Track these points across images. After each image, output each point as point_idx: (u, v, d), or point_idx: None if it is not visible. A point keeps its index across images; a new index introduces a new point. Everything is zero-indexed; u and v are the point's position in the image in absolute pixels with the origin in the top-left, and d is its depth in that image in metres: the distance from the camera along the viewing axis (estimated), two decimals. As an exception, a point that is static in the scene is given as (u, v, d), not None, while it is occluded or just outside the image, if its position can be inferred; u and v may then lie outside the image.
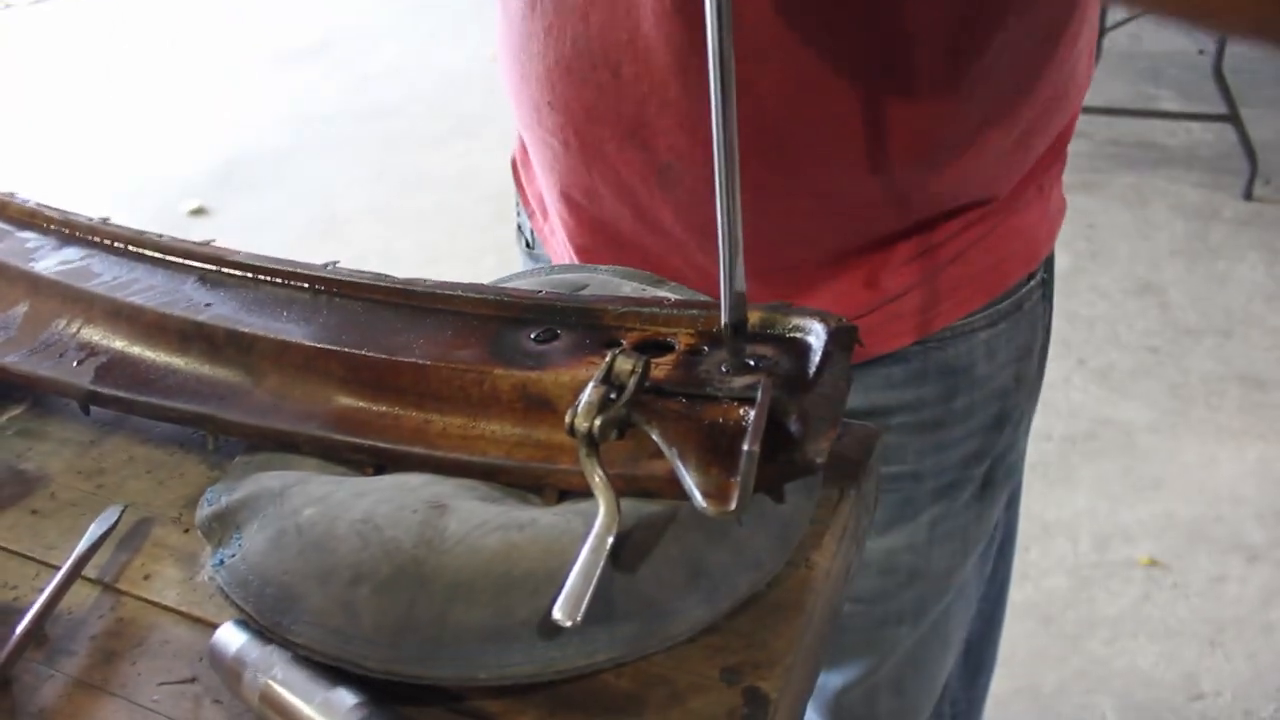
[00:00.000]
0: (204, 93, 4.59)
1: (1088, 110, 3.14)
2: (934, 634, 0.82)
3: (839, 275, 0.68)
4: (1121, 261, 2.73)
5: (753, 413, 0.42)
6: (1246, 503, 1.93)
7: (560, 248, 0.77)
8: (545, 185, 0.73)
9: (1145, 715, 1.57)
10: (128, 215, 0.72)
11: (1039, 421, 0.89)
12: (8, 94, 4.71)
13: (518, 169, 0.85)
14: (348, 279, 0.59)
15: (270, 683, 0.40)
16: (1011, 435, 0.77)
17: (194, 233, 0.72)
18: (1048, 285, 0.76)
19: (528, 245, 0.87)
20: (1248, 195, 2.96)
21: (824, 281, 0.68)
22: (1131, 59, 3.74)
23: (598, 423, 0.42)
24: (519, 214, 0.87)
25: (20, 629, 0.45)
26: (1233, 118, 2.95)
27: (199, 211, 3.35)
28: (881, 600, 0.77)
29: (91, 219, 0.70)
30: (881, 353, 0.69)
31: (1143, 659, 1.65)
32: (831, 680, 0.83)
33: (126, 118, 4.42)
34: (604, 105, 0.63)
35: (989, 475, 0.77)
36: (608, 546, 0.40)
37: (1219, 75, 2.92)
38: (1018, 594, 1.72)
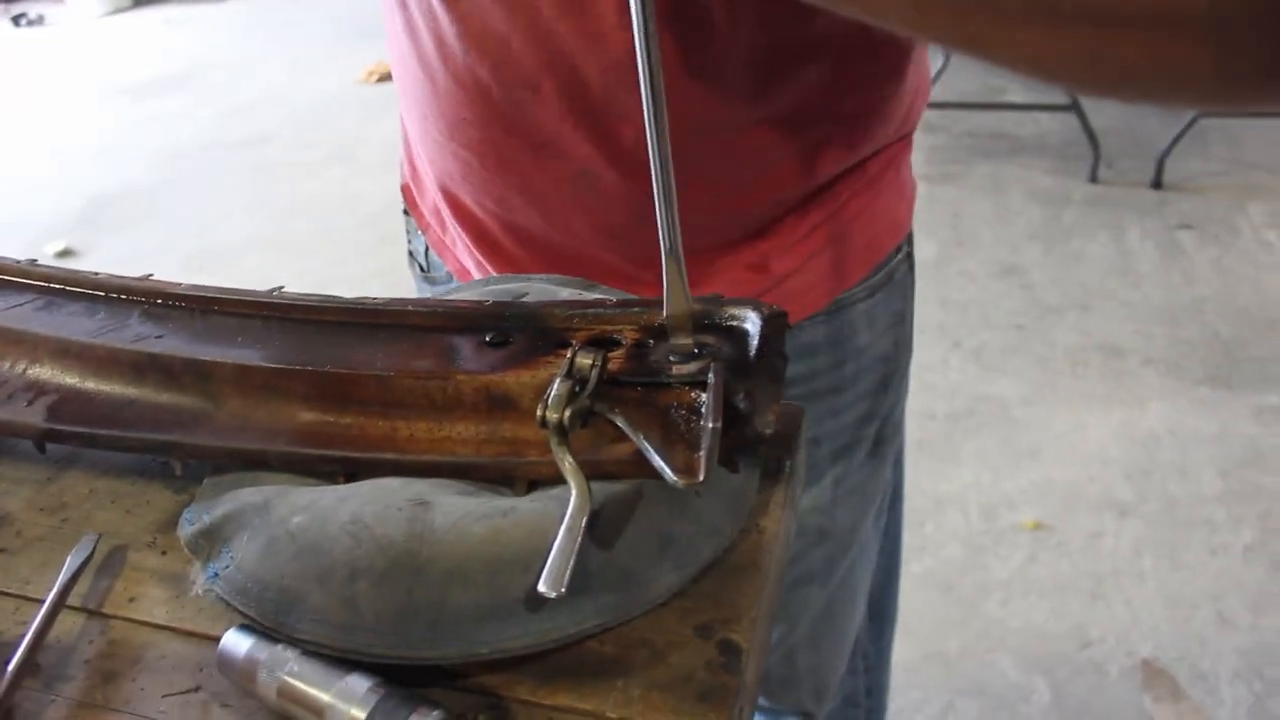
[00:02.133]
0: (60, 131, 4.43)
1: (944, 106, 3.33)
2: (842, 590, 0.88)
3: (731, 262, 0.73)
4: (985, 247, 2.89)
5: (705, 394, 0.47)
6: (1115, 463, 2.08)
7: (464, 256, 0.81)
8: (453, 195, 0.77)
9: (1041, 666, 1.68)
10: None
11: (922, 401, 0.96)
12: None
13: (410, 191, 0.88)
14: (296, 302, 0.61)
15: (286, 677, 0.42)
16: (895, 396, 0.85)
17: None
18: (910, 256, 0.84)
19: (421, 269, 0.90)
20: (1093, 178, 3.17)
21: (717, 269, 0.74)
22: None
23: (567, 414, 0.46)
24: (410, 239, 0.90)
25: (15, 660, 0.47)
26: (1075, 107, 3.16)
27: (66, 253, 3.24)
28: (795, 561, 0.83)
29: (19, 261, 0.71)
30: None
31: (1035, 615, 1.77)
32: (752, 646, 0.89)
33: (-23, 159, 4.23)
34: (521, 119, 0.67)
35: (879, 434, 0.84)
36: (583, 525, 0.44)
37: (1060, 68, 3.11)
38: (917, 566, 1.83)
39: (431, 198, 0.83)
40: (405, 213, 0.89)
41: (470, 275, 0.81)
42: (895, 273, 0.81)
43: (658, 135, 0.46)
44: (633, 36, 0.43)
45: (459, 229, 0.80)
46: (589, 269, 0.71)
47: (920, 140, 0.80)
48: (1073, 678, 1.66)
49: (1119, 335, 2.47)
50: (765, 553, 0.50)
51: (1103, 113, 3.26)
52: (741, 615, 0.47)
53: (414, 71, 0.71)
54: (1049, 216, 3.01)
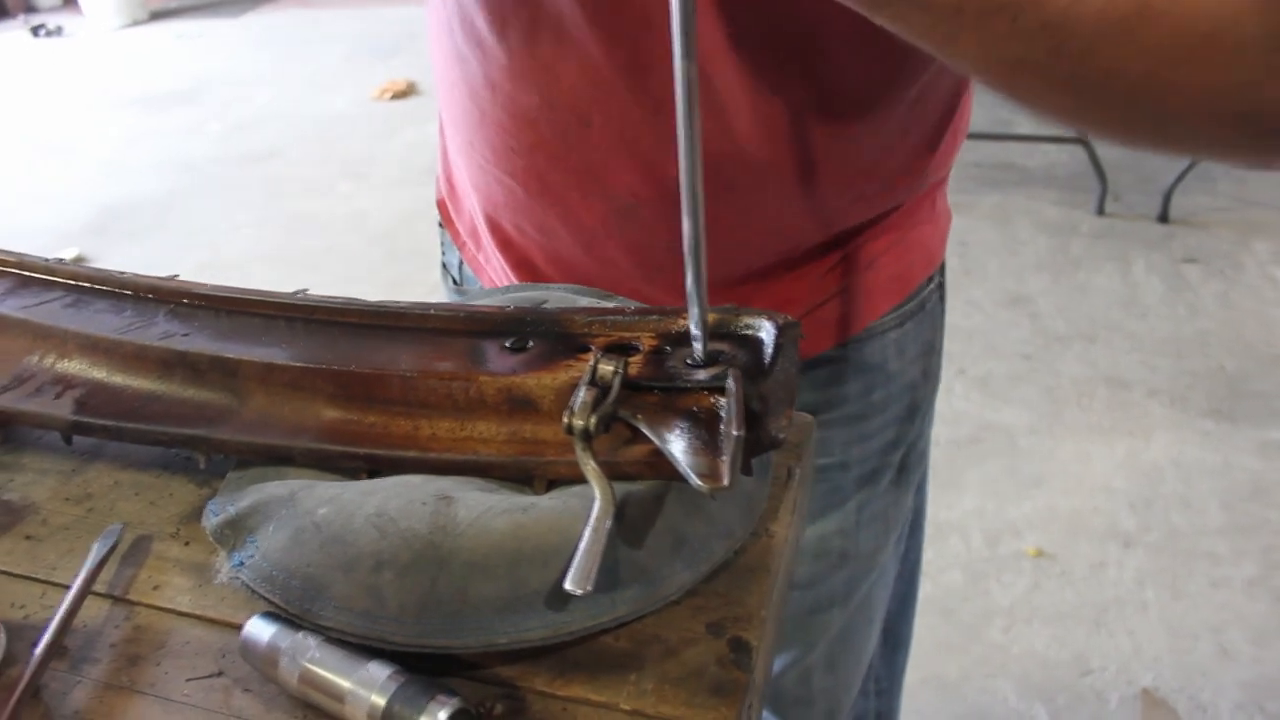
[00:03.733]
0: (75, 141, 4.47)
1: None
2: (860, 614, 0.89)
3: (767, 289, 0.75)
4: (992, 276, 2.90)
5: (724, 399, 0.48)
6: (1119, 493, 2.08)
7: (498, 273, 0.82)
8: (494, 218, 0.78)
9: (1042, 693, 1.68)
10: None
11: None
12: None
13: (446, 206, 0.89)
14: (321, 304, 0.63)
15: (308, 664, 0.43)
16: (921, 424, 0.86)
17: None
18: (943, 286, 0.84)
19: (455, 282, 0.91)
20: (1100, 211, 3.19)
21: (753, 295, 0.75)
22: (988, 88, 3.99)
23: (592, 420, 0.47)
24: (444, 251, 0.91)
25: (44, 641, 0.48)
26: (1083, 140, 3.18)
27: (79, 260, 3.26)
28: (816, 584, 0.84)
29: (47, 259, 0.72)
30: (807, 357, 0.76)
31: (1037, 642, 1.77)
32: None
33: (-8, 167, 4.27)
34: (569, 152, 0.67)
35: (904, 461, 0.85)
36: (608, 526, 0.46)
37: (1068, 101, 3.14)
38: (919, 591, 1.83)
39: (469, 216, 0.84)
40: (440, 226, 0.90)
41: None
42: (927, 302, 0.81)
43: (690, 157, 0.46)
44: (685, 68, 0.44)
45: (499, 254, 0.80)
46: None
47: None
48: (1073, 705, 1.66)
49: (1124, 366, 2.48)
50: (774, 556, 0.52)
51: (1110, 146, 3.28)
52: (752, 615, 0.48)
53: (461, 99, 0.72)
54: (1056, 247, 3.03)
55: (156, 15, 6.59)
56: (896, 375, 0.80)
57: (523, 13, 0.64)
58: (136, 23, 6.44)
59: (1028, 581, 1.88)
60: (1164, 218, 3.13)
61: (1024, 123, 3.62)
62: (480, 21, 0.66)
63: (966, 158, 3.53)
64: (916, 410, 0.84)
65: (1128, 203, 3.22)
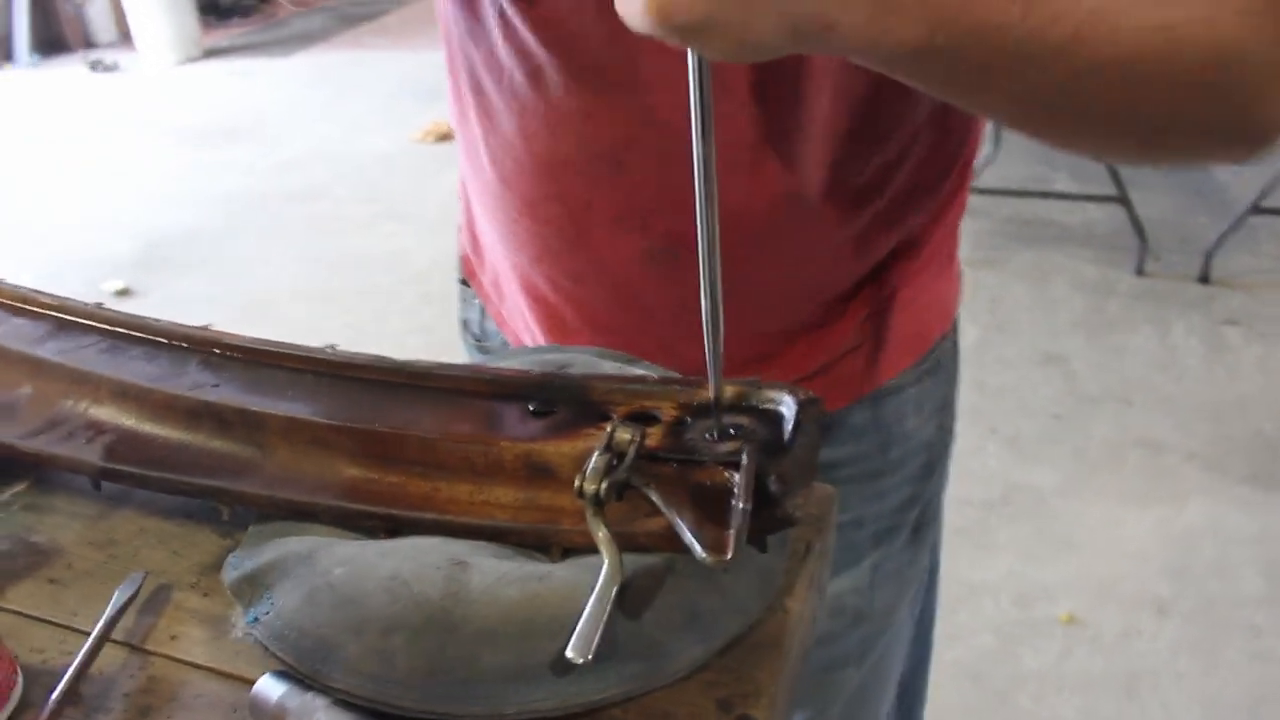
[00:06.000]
0: (126, 173, 4.57)
1: (990, 192, 3.34)
2: (875, 674, 0.88)
3: (791, 346, 0.75)
4: (1025, 334, 2.88)
5: (738, 475, 0.48)
6: (1153, 559, 2.04)
7: (523, 328, 0.83)
8: (524, 270, 0.79)
9: (1070, 765, 1.64)
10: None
11: (958, 488, 0.96)
12: (-81, 174, 4.63)
13: (470, 261, 0.90)
14: (348, 360, 0.64)
15: (315, 726, 0.44)
16: (938, 481, 0.86)
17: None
18: (955, 342, 0.85)
19: (475, 338, 0.92)
20: (1139, 271, 3.16)
21: (774, 353, 0.75)
22: (1028, 143, 3.99)
23: (604, 486, 0.47)
24: (464, 308, 0.92)
25: (59, 689, 0.49)
26: (1123, 199, 3.17)
27: (124, 293, 3.32)
28: (830, 642, 0.83)
29: (86, 304, 0.74)
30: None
31: (1066, 710, 1.73)
32: (784, 724, 0.88)
33: (46, 197, 4.37)
34: (601, 195, 0.69)
35: (920, 519, 0.85)
36: (613, 594, 0.46)
37: (1108, 159, 3.13)
38: (949, 654, 1.80)
39: (492, 270, 0.85)
40: (463, 282, 0.91)
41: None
42: (942, 358, 0.82)
43: (708, 213, 0.47)
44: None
45: (527, 309, 0.81)
46: (655, 351, 0.72)
47: (965, 224, 0.81)
48: (1101, 778, 1.62)
49: (1159, 430, 2.45)
50: (789, 633, 0.51)
51: (1151, 205, 3.26)
52: (762, 692, 0.48)
53: (491, 151, 0.73)
54: (1092, 307, 3.00)
55: (210, 53, 6.75)
56: (914, 433, 0.81)
57: (557, 62, 0.65)
58: (190, 60, 6.60)
59: (1059, 647, 1.85)
60: (1205, 279, 3.09)
61: (1062, 180, 3.61)
62: (518, 74, 0.68)
63: (1003, 213, 3.52)
64: (933, 468, 0.84)
65: (1168, 263, 3.19)
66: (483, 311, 0.89)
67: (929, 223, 0.77)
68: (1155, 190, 3.52)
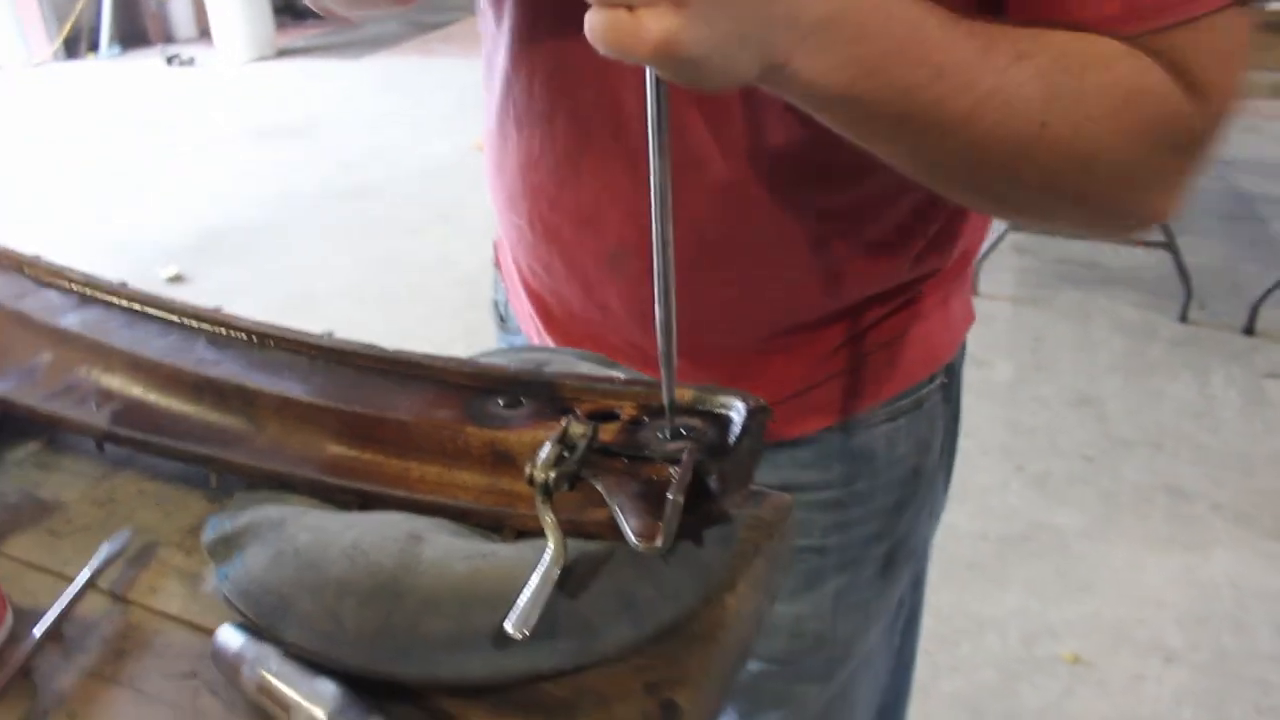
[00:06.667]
0: (188, 164, 4.70)
1: (1039, 231, 3.33)
2: (842, 696, 0.89)
3: (763, 365, 0.77)
4: (1063, 374, 2.86)
5: (679, 471, 0.51)
6: (1169, 607, 2.03)
7: (527, 320, 0.87)
8: (516, 258, 0.85)
9: (1063, 806, 1.63)
10: (106, 276, 0.80)
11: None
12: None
13: (499, 249, 0.95)
14: (342, 347, 0.68)
15: (265, 674, 0.47)
16: (912, 521, 0.86)
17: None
18: (949, 388, 0.84)
19: (501, 319, 0.96)
20: (1183, 318, 3.13)
21: (747, 371, 0.77)
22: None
23: (552, 474, 0.51)
24: (496, 290, 0.97)
25: (41, 629, 0.53)
26: (1170, 245, 3.14)
27: (177, 279, 3.43)
28: (792, 661, 0.85)
29: (111, 282, 0.79)
30: (792, 436, 0.78)
31: (1063, 752, 1.73)
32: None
33: (112, 182, 4.52)
34: (565, 196, 0.74)
35: (891, 555, 0.85)
36: (555, 576, 0.49)
37: (1157, 205, 3.10)
38: (948, 685, 1.81)
39: (507, 256, 0.90)
40: (495, 265, 0.96)
41: (531, 334, 0.87)
42: (925, 401, 0.82)
43: (662, 228, 0.50)
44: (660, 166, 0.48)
45: (524, 295, 0.86)
46: (623, 351, 0.76)
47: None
48: (1096, 822, 1.61)
49: (1189, 478, 2.42)
50: (724, 627, 0.54)
51: (1200, 252, 3.23)
52: (690, 679, 0.50)
53: (488, 143, 0.80)
54: (1132, 350, 2.98)
55: (283, 52, 6.93)
56: (883, 469, 0.81)
57: (534, 59, 0.71)
58: (264, 58, 6.78)
59: (1061, 687, 1.84)
60: (1250, 330, 3.05)
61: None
62: (507, 63, 0.73)
63: (1049, 252, 3.51)
64: (906, 506, 0.84)
65: (1213, 311, 3.15)
66: (507, 294, 0.94)
67: (918, 277, 0.78)
68: (1205, 237, 3.49)
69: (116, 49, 7.14)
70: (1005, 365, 2.89)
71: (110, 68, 6.81)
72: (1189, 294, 3.13)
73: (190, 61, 6.76)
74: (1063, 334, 3.08)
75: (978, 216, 0.78)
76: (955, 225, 0.76)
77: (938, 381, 0.83)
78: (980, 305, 3.33)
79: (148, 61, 6.86)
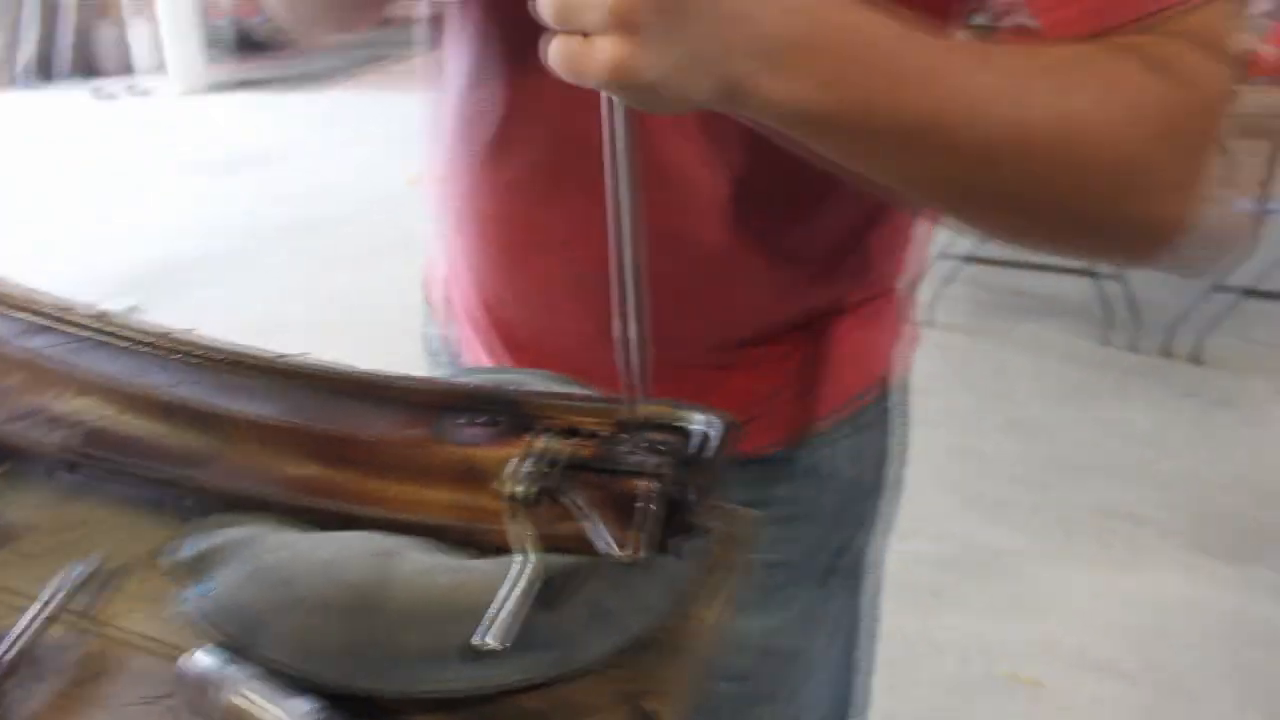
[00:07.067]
0: (144, 197, 4.66)
1: (991, 262, 3.40)
2: (788, 707, 0.90)
3: (696, 381, 0.78)
4: (1019, 403, 2.92)
5: (649, 483, 0.52)
6: (1123, 630, 2.07)
7: (478, 349, 0.88)
8: (471, 290, 0.84)
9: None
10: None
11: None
12: (-55, 187, 4.73)
13: (430, 284, 0.96)
14: (307, 368, 0.68)
15: (233, 697, 0.47)
16: (857, 532, 0.87)
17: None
18: (884, 402, 0.86)
19: (432, 354, 0.97)
20: (1134, 348, 3.21)
21: (702, 386, 0.79)
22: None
23: (520, 489, 0.51)
24: (427, 324, 0.98)
25: (8, 653, 0.52)
26: (1121, 278, 3.23)
27: (133, 310, 3.38)
28: (747, 677, 0.85)
29: (82, 305, 0.79)
30: (742, 452, 0.80)
31: (1019, 772, 1.74)
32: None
33: (62, 216, 4.46)
34: (537, 217, 0.75)
35: (836, 565, 0.87)
36: (533, 588, 0.50)
37: (1106, 236, 3.19)
38: (901, 707, 1.82)
39: (440, 288, 0.91)
40: (426, 300, 0.97)
41: (482, 363, 0.88)
42: (861, 416, 0.84)
43: (627, 238, 0.52)
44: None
45: (486, 327, 0.86)
46: (588, 369, 0.77)
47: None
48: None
49: (1143, 504, 2.47)
50: (694, 638, 0.55)
51: (1149, 286, 3.32)
52: (662, 689, 0.51)
53: (456, 175, 0.81)
54: (1086, 381, 3.05)
55: (242, 84, 6.91)
56: (828, 483, 0.83)
57: (502, 86, 0.72)
58: (221, 88, 6.76)
59: (1018, 709, 1.86)
60: (1198, 359, 3.13)
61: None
62: (473, 92, 0.74)
63: (1004, 284, 3.58)
64: (847, 516, 0.86)
65: (1162, 343, 3.23)
66: (439, 326, 0.95)
67: (853, 291, 0.80)
68: (1153, 270, 3.58)
69: (68, 79, 7.07)
70: (964, 395, 2.94)
71: (61, 98, 6.74)
72: (1140, 326, 3.21)
73: (145, 92, 6.72)
74: (1018, 364, 3.14)
75: (910, 232, 0.81)
76: (890, 239, 0.79)
77: (873, 395, 0.85)
78: (936, 336, 3.38)
79: (100, 92, 6.79)
